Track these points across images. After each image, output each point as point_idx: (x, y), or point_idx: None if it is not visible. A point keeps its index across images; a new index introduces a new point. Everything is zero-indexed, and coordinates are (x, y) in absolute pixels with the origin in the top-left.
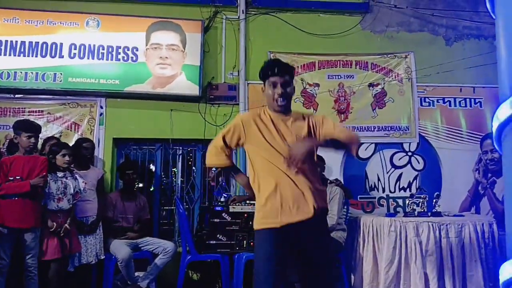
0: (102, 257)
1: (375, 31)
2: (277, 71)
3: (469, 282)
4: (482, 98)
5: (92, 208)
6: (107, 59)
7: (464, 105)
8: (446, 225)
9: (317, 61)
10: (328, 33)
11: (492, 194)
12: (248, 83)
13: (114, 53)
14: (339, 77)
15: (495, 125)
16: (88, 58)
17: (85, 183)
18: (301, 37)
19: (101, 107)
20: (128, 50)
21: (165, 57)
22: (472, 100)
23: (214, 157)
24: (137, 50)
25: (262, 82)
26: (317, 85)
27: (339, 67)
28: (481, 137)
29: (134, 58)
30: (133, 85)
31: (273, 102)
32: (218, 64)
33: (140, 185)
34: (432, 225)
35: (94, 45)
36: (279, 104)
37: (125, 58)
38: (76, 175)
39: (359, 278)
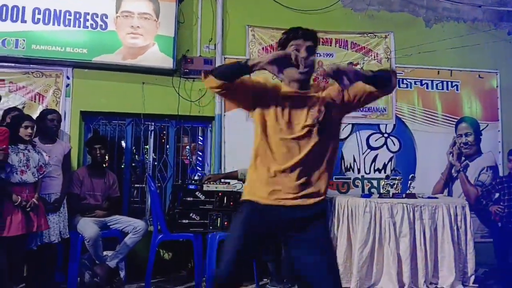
0: (66, 236)
1: (356, 9)
2: (300, 34)
3: (441, 263)
4: (459, 82)
5: (56, 184)
6: (74, 26)
7: (441, 88)
8: (420, 207)
9: None
10: (308, 8)
11: (464, 177)
12: (225, 57)
13: (81, 19)
14: (318, 55)
15: None
16: (54, 24)
17: (49, 156)
18: (281, 11)
19: (68, 78)
20: (97, 17)
21: (137, 26)
22: (449, 83)
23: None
24: (106, 17)
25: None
26: None
27: (319, 44)
28: (456, 120)
29: (103, 26)
30: (102, 55)
31: (294, 69)
32: (193, 36)
33: (110, 161)
34: (407, 206)
35: (60, 11)
36: (301, 70)
37: (94, 26)
38: (38, 149)
39: None
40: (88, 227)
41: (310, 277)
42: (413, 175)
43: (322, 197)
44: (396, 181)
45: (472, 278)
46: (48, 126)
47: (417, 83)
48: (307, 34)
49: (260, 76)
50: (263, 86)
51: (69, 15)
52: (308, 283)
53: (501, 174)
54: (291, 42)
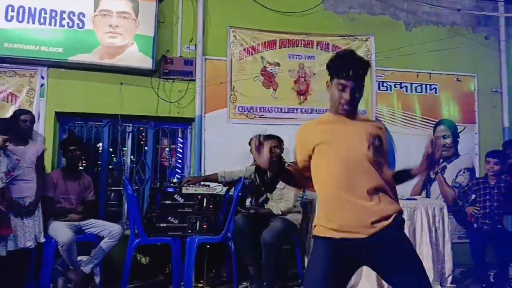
0: (42, 240)
1: (337, 12)
2: (350, 75)
3: None
4: (437, 85)
5: (30, 187)
6: (49, 25)
7: (420, 91)
8: None
9: (278, 39)
10: (290, 10)
11: (442, 179)
12: (206, 58)
13: (57, 18)
14: (300, 57)
15: None
16: (28, 22)
17: (19, 160)
18: (263, 13)
19: (42, 77)
20: (74, 15)
21: (115, 26)
22: (428, 86)
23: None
24: (83, 16)
25: (329, 76)
26: (278, 64)
27: (300, 46)
28: (434, 123)
29: (80, 25)
30: (78, 55)
31: (338, 106)
32: (173, 36)
33: (86, 164)
34: None
35: (35, 8)
36: (344, 108)
37: (70, 25)
38: (8, 152)
39: None
40: (61, 231)
41: None
42: None
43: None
44: None
45: (450, 278)
46: (20, 127)
47: (396, 86)
48: (357, 74)
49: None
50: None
51: (44, 13)
52: None
53: (477, 175)
54: (339, 78)
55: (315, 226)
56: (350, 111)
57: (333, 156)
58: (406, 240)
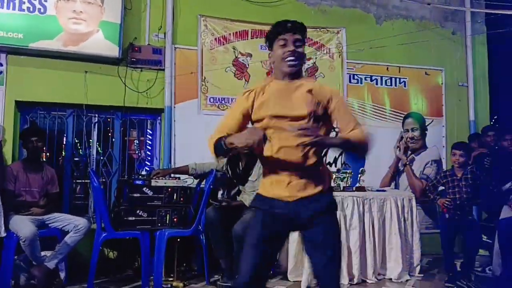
0: (3, 235)
1: (309, 3)
2: (288, 28)
3: (389, 255)
4: (406, 78)
5: None
6: (7, 9)
7: (389, 84)
8: (370, 200)
9: (250, 30)
10: (262, 1)
11: (410, 171)
12: (175, 47)
13: (17, 2)
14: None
15: None
16: None
17: None
18: (235, 3)
19: (1, 65)
20: (35, 0)
21: (80, 11)
22: (398, 79)
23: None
24: (45, 0)
25: (269, 48)
26: (250, 55)
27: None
28: (403, 116)
29: (42, 10)
30: (40, 41)
31: (281, 62)
32: (141, 23)
33: (49, 155)
34: (357, 199)
35: None
36: (289, 64)
37: (31, 9)
38: None
39: (284, 252)
40: (23, 225)
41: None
42: (363, 168)
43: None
44: (347, 175)
45: (418, 268)
46: None
47: (367, 79)
48: (294, 28)
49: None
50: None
51: None
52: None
53: (444, 167)
54: (278, 36)
55: None
56: (296, 67)
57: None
58: None
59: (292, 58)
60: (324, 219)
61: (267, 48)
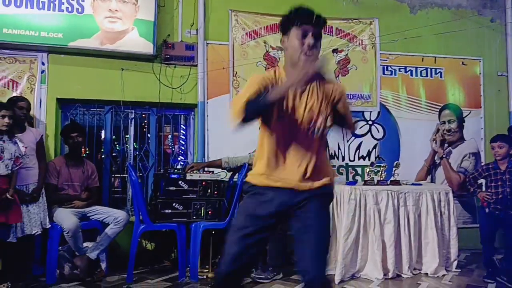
0: (48, 226)
1: None
2: (312, 20)
3: (425, 249)
4: (443, 69)
5: (33, 174)
6: (48, 10)
7: (425, 75)
8: (405, 193)
9: None
10: None
11: (447, 164)
12: (207, 43)
13: (56, 3)
14: None
15: None
16: (27, 7)
17: (26, 147)
18: None
19: (43, 64)
20: (73, 0)
21: (115, 10)
22: (433, 70)
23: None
24: (83, 0)
25: (283, 33)
26: (281, 48)
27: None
28: (439, 107)
29: (80, 10)
30: (78, 40)
31: (299, 54)
32: (174, 20)
33: (89, 151)
34: (391, 193)
35: None
36: (305, 58)
37: (70, 9)
38: (15, 139)
39: None
40: (66, 218)
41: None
42: (397, 162)
43: None
44: (381, 168)
45: (455, 263)
46: (17, 114)
47: (401, 70)
48: (318, 22)
49: (257, 77)
50: (266, 85)
51: None
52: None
53: (483, 160)
54: (300, 25)
55: None
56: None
57: None
58: None
59: (311, 52)
60: (317, 203)
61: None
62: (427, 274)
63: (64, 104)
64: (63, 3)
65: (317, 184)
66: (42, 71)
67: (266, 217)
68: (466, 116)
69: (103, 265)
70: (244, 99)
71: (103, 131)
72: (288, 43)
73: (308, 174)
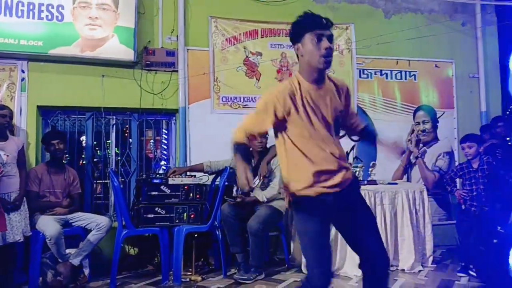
0: (29, 234)
1: (317, 1)
2: (324, 24)
3: (401, 246)
4: (416, 72)
5: (14, 183)
6: (28, 18)
7: (399, 78)
8: (381, 193)
9: (260, 29)
10: (271, 0)
11: (422, 163)
12: (188, 49)
13: (36, 11)
14: (282, 46)
15: None
16: (6, 15)
17: (8, 156)
18: (243, 3)
19: (23, 71)
20: (53, 8)
21: (95, 18)
22: (408, 73)
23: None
24: (62, 8)
25: (295, 41)
26: (260, 54)
27: (282, 36)
28: (414, 109)
29: (60, 18)
30: (58, 48)
31: (317, 58)
32: (155, 27)
33: (70, 157)
34: (368, 192)
35: (11, 1)
36: (326, 60)
37: (49, 17)
38: None
39: (298, 246)
40: (49, 225)
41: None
42: (374, 162)
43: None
44: (358, 169)
45: (431, 259)
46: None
47: (377, 73)
48: (328, 24)
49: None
50: (282, 108)
51: (22, 6)
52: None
53: (456, 159)
54: (313, 30)
55: None
56: (330, 64)
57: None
58: None
59: (329, 56)
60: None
61: (276, 47)
62: (403, 270)
63: (44, 112)
64: (43, 11)
65: None
66: (22, 79)
67: None
68: (439, 116)
69: (86, 271)
70: (243, 133)
71: (84, 137)
72: (303, 49)
73: None
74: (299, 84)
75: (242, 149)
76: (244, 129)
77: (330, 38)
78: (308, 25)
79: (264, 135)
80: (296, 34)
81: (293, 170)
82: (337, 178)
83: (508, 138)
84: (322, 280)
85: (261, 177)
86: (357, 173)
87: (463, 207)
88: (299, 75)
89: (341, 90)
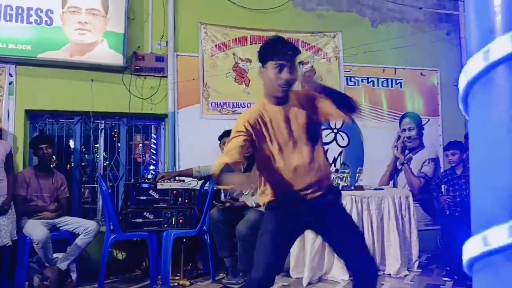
0: (15, 238)
1: (306, 9)
2: (287, 54)
3: (387, 251)
4: (402, 79)
5: (2, 187)
6: (16, 21)
7: (386, 86)
8: (368, 198)
9: (249, 36)
10: (259, 7)
11: (408, 169)
12: (177, 55)
13: (24, 15)
14: None
15: (463, 82)
16: None
17: None
18: (233, 9)
19: (11, 75)
20: (42, 12)
21: (85, 22)
22: (394, 80)
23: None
24: (52, 13)
25: (261, 63)
26: (249, 60)
27: (274, 35)
28: (400, 116)
29: (49, 22)
30: (47, 52)
31: (275, 86)
32: (144, 32)
33: (58, 162)
34: (355, 198)
35: None
36: (282, 89)
37: (38, 22)
38: None
39: None
40: (36, 229)
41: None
42: (360, 168)
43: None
44: (345, 174)
45: (416, 263)
46: None
47: (364, 80)
48: (293, 55)
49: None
50: (250, 130)
51: (10, 10)
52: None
53: (441, 165)
54: (275, 58)
55: None
56: (287, 93)
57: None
58: None
59: (286, 86)
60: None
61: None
62: (390, 274)
63: (32, 116)
64: (32, 15)
65: None
66: (10, 83)
67: None
68: (425, 123)
69: (74, 276)
70: (224, 160)
71: (72, 142)
72: (265, 75)
73: None
74: (265, 106)
75: (227, 169)
76: (226, 151)
77: (293, 68)
78: (272, 53)
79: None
80: (260, 58)
81: (265, 180)
82: (309, 188)
83: None
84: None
85: None
86: (344, 178)
87: (447, 212)
88: (264, 98)
89: (307, 100)
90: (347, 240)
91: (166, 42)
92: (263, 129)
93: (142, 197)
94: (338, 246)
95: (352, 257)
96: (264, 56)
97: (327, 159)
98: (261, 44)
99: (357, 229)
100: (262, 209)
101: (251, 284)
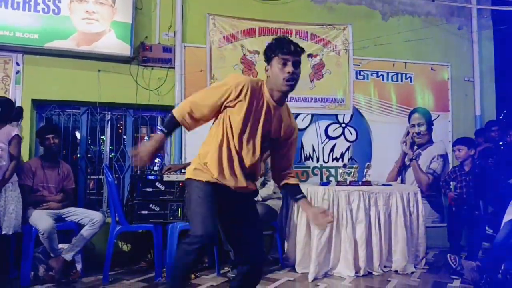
0: (19, 231)
1: (316, 1)
2: (292, 51)
3: (394, 248)
4: (412, 74)
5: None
6: (24, 10)
7: (395, 80)
8: (375, 194)
9: (257, 28)
10: None
11: (417, 165)
12: (185, 46)
13: (32, 3)
14: None
15: None
16: (1, 7)
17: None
18: (242, 0)
19: (18, 64)
20: (49, 1)
21: (92, 12)
22: (404, 75)
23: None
24: (59, 1)
25: (267, 61)
26: (257, 52)
27: (280, 35)
28: (409, 111)
29: (56, 11)
30: (54, 41)
31: (280, 81)
32: (152, 23)
33: (64, 152)
34: (362, 194)
35: None
36: (287, 84)
37: (46, 10)
38: None
39: (292, 245)
40: (42, 219)
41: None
42: (369, 163)
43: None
44: (353, 170)
45: (423, 260)
46: None
47: (373, 74)
48: (297, 51)
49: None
50: (234, 94)
51: None
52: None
53: (450, 161)
54: (280, 55)
55: None
56: (292, 88)
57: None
58: None
59: (292, 80)
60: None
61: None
62: (396, 271)
63: (39, 105)
64: (39, 4)
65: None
66: (17, 72)
67: None
68: (434, 119)
69: (79, 266)
70: (187, 106)
71: (78, 132)
72: (270, 71)
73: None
74: (262, 88)
75: (173, 126)
76: (190, 102)
77: (296, 64)
78: (277, 50)
79: (205, 119)
80: (266, 56)
81: (213, 150)
82: (238, 182)
83: (501, 143)
84: (202, 229)
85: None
86: (352, 173)
87: (453, 209)
88: (265, 85)
89: (290, 126)
90: (249, 232)
91: (174, 32)
92: (250, 103)
93: (148, 189)
94: (238, 233)
95: (246, 247)
96: (270, 53)
97: None
98: (270, 36)
99: (260, 231)
100: (268, 203)
101: (191, 243)
